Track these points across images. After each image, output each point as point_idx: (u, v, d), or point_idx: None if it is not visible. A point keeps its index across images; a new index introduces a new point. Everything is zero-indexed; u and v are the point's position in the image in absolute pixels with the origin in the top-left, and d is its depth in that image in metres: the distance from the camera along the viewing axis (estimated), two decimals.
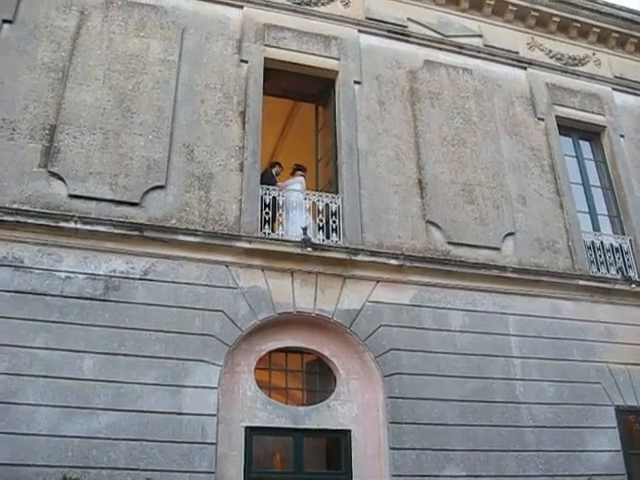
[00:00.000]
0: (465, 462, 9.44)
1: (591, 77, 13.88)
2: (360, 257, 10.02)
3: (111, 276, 8.92)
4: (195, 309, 9.09)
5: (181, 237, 9.32)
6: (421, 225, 10.79)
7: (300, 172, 11.26)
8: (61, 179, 9.23)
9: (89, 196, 9.23)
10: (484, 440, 9.64)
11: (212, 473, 8.34)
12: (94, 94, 9.90)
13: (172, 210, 9.54)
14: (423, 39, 12.56)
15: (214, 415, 8.62)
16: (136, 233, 9.11)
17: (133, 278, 9.00)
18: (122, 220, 9.14)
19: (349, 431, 9.44)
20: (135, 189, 9.47)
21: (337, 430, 9.47)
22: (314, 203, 10.55)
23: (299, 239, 9.81)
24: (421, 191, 11.05)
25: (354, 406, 9.60)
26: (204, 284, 9.27)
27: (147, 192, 9.52)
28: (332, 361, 9.78)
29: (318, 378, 10.09)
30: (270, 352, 9.67)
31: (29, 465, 7.73)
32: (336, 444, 9.56)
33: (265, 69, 11.11)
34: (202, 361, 8.83)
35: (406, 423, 9.37)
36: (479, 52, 12.94)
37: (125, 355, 8.56)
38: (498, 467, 9.56)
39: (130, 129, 9.83)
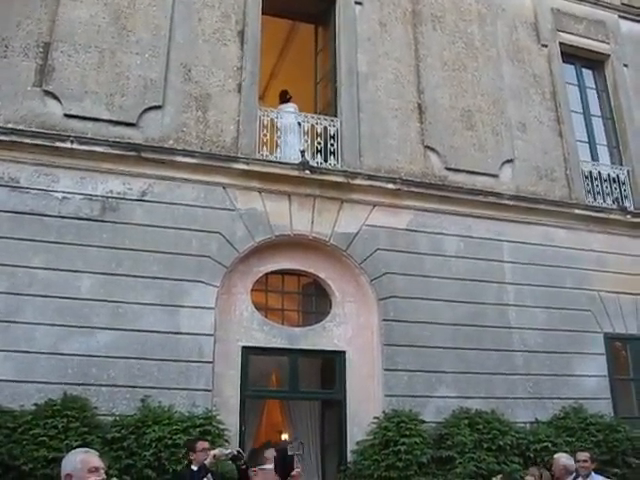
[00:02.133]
0: (456, 384, 9.67)
1: (597, 3, 13.55)
2: (358, 181, 10.01)
3: (108, 197, 8.89)
4: (192, 230, 9.11)
5: (178, 158, 9.25)
6: (419, 150, 10.73)
7: (289, 97, 11.13)
8: (56, 98, 9.06)
9: (85, 116, 9.09)
10: (475, 363, 9.86)
11: (209, 391, 8.53)
12: (89, 10, 9.63)
13: (169, 131, 9.44)
14: None
15: (211, 335, 8.76)
16: (133, 154, 9.04)
17: (130, 199, 8.98)
18: (119, 140, 9.04)
19: (344, 352, 9.63)
20: (132, 109, 9.33)
21: (332, 351, 9.66)
22: (313, 126, 10.44)
23: (297, 162, 9.78)
24: (420, 116, 10.94)
25: (349, 328, 9.77)
26: (201, 205, 9.26)
27: (144, 112, 9.38)
28: (328, 283, 9.89)
29: (314, 300, 10.24)
30: (267, 274, 9.76)
31: (30, 382, 7.88)
32: (331, 364, 9.76)
33: None
34: (199, 282, 8.91)
35: (399, 345, 9.55)
36: None
37: (123, 275, 8.62)
38: (487, 389, 9.81)
39: (126, 47, 9.61)
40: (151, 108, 9.46)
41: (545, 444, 9.35)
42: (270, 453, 6.52)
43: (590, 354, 10.70)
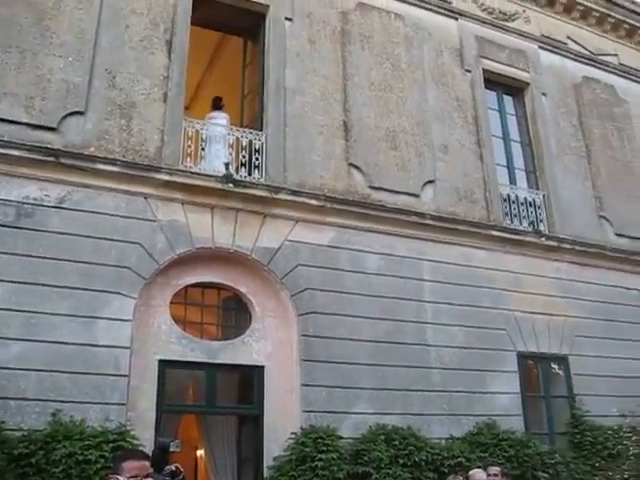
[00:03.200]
0: (373, 400, 9.74)
1: (519, 34, 14.07)
2: (281, 195, 10.00)
3: (24, 203, 8.56)
4: (112, 240, 8.88)
5: (99, 166, 9.01)
6: (344, 167, 10.82)
7: (222, 103, 11.07)
8: None
9: (2, 118, 8.72)
10: (393, 379, 9.95)
11: (123, 405, 8.30)
12: (10, 9, 9.29)
13: (91, 137, 9.20)
14: None
15: (128, 347, 8.54)
16: (52, 159, 8.75)
17: (47, 206, 8.68)
18: (38, 145, 8.72)
19: (262, 367, 9.55)
20: (52, 113, 9.05)
21: (251, 366, 9.57)
22: (238, 139, 10.40)
23: (221, 174, 9.70)
24: (346, 133, 11.05)
25: (268, 343, 9.71)
26: (122, 215, 9.04)
27: (65, 117, 9.11)
28: (248, 298, 9.82)
29: (234, 314, 10.16)
30: (187, 287, 9.61)
31: None
32: (249, 379, 9.68)
33: None
34: (117, 293, 8.69)
35: (318, 361, 9.56)
36: None
37: (37, 284, 8.30)
38: (404, 405, 9.92)
39: (49, 49, 9.32)
40: (73, 113, 9.19)
41: (459, 459, 9.52)
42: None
43: (504, 372, 10.98)
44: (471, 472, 8.35)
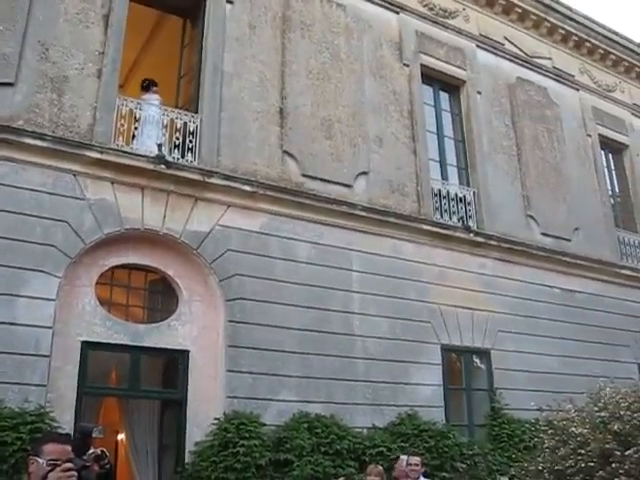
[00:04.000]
0: (298, 388, 9.78)
1: (459, 31, 14.26)
2: (214, 180, 9.91)
3: None
4: (37, 217, 8.62)
5: (27, 140, 8.72)
6: (278, 154, 10.80)
7: (155, 88, 10.87)
8: None
9: None
10: (318, 368, 10.02)
11: (44, 386, 8.09)
12: None
13: (20, 110, 8.89)
14: None
15: (50, 327, 8.32)
16: None
17: None
18: None
19: (188, 351, 9.47)
20: None
21: (176, 350, 9.48)
22: (172, 120, 10.24)
23: (153, 155, 9.54)
24: (281, 121, 11.01)
25: (195, 327, 9.63)
26: (48, 192, 8.78)
27: None
28: (176, 281, 9.71)
29: (160, 297, 10.04)
30: (113, 268, 9.42)
31: None
32: (174, 364, 9.58)
33: None
34: (41, 271, 8.45)
35: (244, 347, 9.54)
36: None
37: None
38: (329, 394, 9.99)
39: None
40: (2, 84, 8.86)
41: (380, 449, 9.68)
42: None
43: (427, 364, 11.19)
44: (403, 456, 8.71)
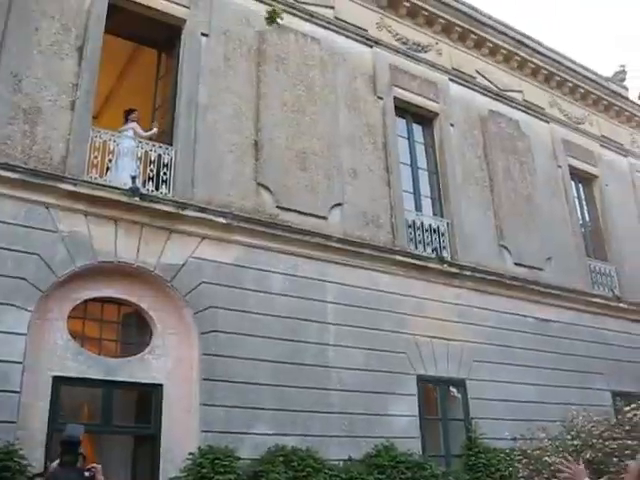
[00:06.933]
0: (273, 421, 9.69)
1: (432, 65, 14.49)
2: (188, 212, 9.88)
3: None
4: (8, 250, 8.51)
5: None
6: (252, 187, 10.81)
7: (133, 115, 10.85)
8: None
9: None
10: (293, 401, 9.94)
11: (13, 423, 7.91)
12: None
13: None
14: (274, 0, 12.32)
15: (20, 362, 8.18)
16: None
17: None
18: None
19: (161, 385, 9.35)
20: None
21: (149, 384, 9.34)
22: (147, 152, 10.24)
23: (127, 187, 9.51)
24: (256, 153, 11.05)
25: (169, 361, 9.52)
26: (20, 224, 8.68)
27: None
28: (149, 314, 9.61)
29: (134, 331, 9.91)
30: (86, 301, 9.31)
31: None
32: (147, 398, 9.45)
33: (110, 5, 10.44)
34: (11, 305, 8.32)
35: (219, 380, 9.45)
36: (329, 23, 13.03)
37: None
38: (304, 427, 9.91)
39: None
40: None
41: None
42: None
43: (403, 395, 11.16)
44: None
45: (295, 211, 11.05)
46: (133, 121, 10.75)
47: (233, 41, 11.60)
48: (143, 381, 9.32)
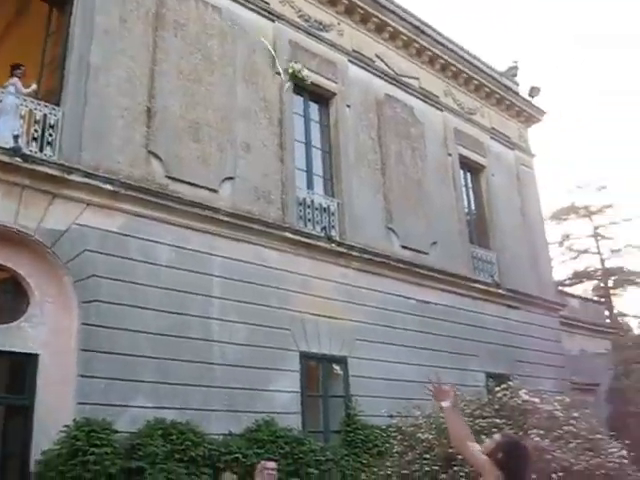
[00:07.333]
0: (154, 394, 9.57)
1: (332, 45, 14.51)
2: (73, 177, 9.50)
3: None
4: None
5: None
6: (142, 154, 10.51)
7: (18, 71, 10.25)
8: None
9: None
10: (175, 374, 9.84)
11: None
12: None
13: None
14: None
15: None
16: None
17: None
18: None
19: (37, 355, 9.02)
20: None
21: (24, 353, 8.99)
22: (31, 111, 9.74)
23: (8, 146, 9.03)
24: (148, 120, 10.73)
25: (46, 330, 9.18)
26: None
27: None
28: (27, 281, 9.22)
29: (10, 298, 9.46)
30: None
31: None
32: (22, 368, 9.08)
33: None
34: None
35: (98, 351, 9.20)
36: None
37: None
38: (185, 400, 9.84)
39: None
40: None
41: (236, 455, 9.63)
42: None
43: (285, 371, 11.27)
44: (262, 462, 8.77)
45: (185, 182, 10.84)
46: (17, 76, 10.18)
47: (130, 2, 11.17)
48: (17, 350, 8.94)
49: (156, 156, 10.64)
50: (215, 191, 11.23)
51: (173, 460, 9.03)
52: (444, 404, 4.28)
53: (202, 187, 11.04)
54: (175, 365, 9.87)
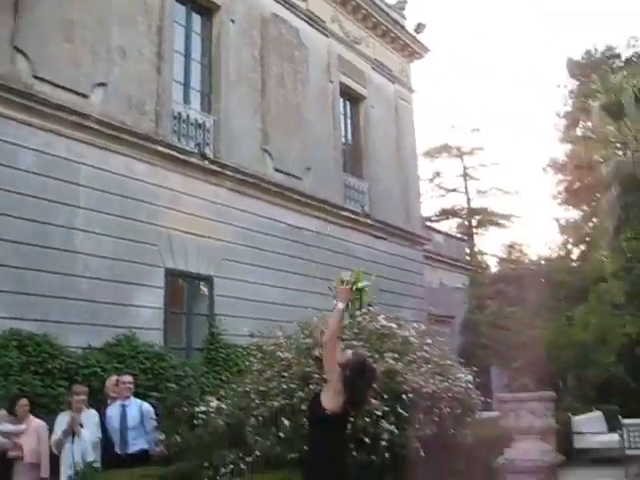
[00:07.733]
0: (11, 304, 9.27)
1: None
2: None
3: None
4: None
5: None
6: (7, 50, 9.74)
7: None
8: None
9: None
10: (34, 285, 9.55)
11: None
12: None
13: None
14: None
15: None
16: None
17: None
18: None
19: None
20: None
21: None
22: None
23: None
24: (15, 13, 9.88)
25: None
26: None
27: None
28: None
29: None
30: None
31: None
32: None
33: None
34: None
35: None
36: None
37: None
38: (44, 312, 9.59)
39: None
40: None
41: (95, 369, 9.54)
42: None
43: (150, 286, 11.19)
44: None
45: (54, 84, 10.19)
46: None
47: None
48: None
49: (23, 53, 9.87)
50: (86, 96, 10.64)
51: (28, 372, 8.84)
52: (340, 305, 4.47)
53: (72, 91, 10.42)
54: (35, 275, 9.56)
